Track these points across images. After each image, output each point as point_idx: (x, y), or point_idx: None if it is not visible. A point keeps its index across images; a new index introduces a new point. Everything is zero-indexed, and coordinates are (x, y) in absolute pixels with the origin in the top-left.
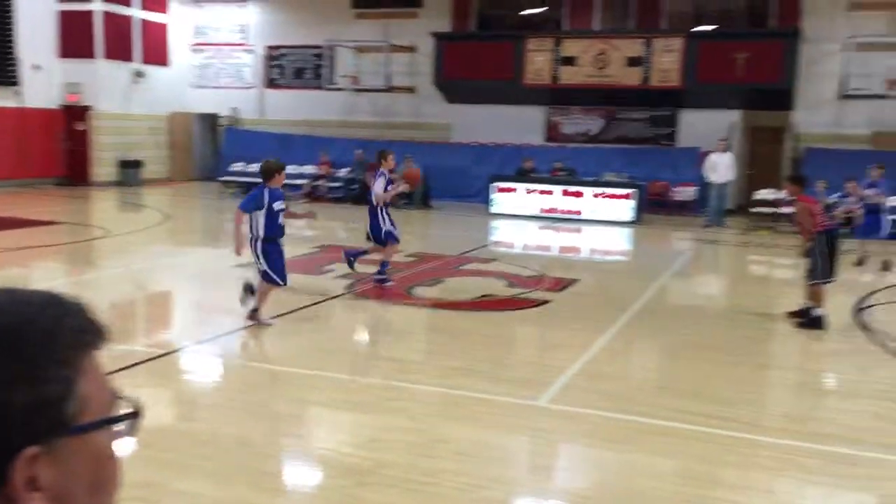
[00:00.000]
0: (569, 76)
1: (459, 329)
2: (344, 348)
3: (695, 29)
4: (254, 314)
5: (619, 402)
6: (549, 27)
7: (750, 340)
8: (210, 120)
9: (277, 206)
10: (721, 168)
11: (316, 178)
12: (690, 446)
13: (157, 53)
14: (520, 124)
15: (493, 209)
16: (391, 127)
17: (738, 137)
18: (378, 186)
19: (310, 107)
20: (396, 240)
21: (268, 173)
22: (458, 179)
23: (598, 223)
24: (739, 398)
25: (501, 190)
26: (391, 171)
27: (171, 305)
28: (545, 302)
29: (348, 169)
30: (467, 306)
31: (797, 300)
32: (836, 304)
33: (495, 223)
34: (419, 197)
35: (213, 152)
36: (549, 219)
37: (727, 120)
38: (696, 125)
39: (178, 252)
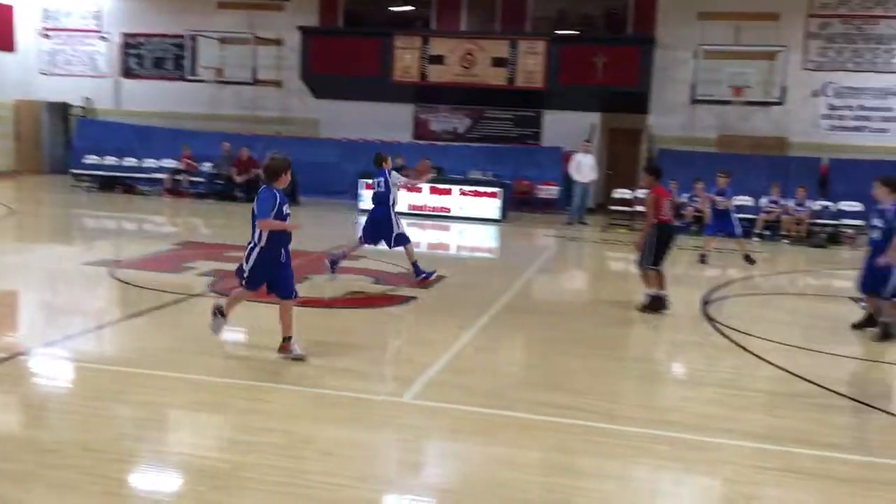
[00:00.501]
0: (437, 74)
1: (325, 327)
2: (204, 349)
3: (557, 32)
4: (286, 343)
5: (482, 397)
6: (417, 25)
7: (608, 333)
8: (60, 109)
9: (286, 209)
10: (585, 168)
11: (176, 172)
12: (550, 437)
13: (1, 38)
14: (388, 121)
15: (362, 206)
16: (257, 121)
17: (597, 138)
18: (396, 181)
19: (171, 98)
20: (409, 239)
21: (275, 173)
22: (327, 175)
23: (465, 220)
24: (596, 389)
25: (370, 187)
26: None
27: (16, 306)
28: (412, 298)
29: (212, 164)
30: (334, 304)
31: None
32: (686, 297)
33: (364, 220)
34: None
35: (65, 144)
36: (418, 216)
37: (588, 121)
38: (559, 126)
39: (24, 249)
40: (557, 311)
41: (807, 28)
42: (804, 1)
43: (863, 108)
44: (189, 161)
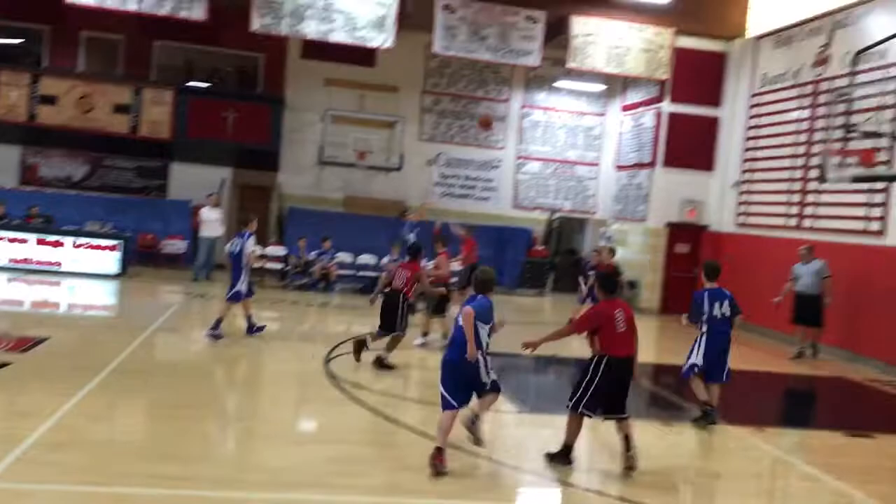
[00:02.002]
0: (49, 116)
1: None
2: None
3: (189, 84)
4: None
5: (79, 474)
6: (27, 62)
7: (228, 394)
8: None
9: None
10: (212, 223)
11: None
12: None
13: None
14: None
15: None
16: None
17: (228, 193)
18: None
19: None
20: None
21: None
22: None
23: (79, 276)
24: (210, 455)
25: None
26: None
27: None
28: (4, 365)
29: None
30: None
31: (282, 353)
32: (306, 355)
33: None
34: None
35: None
36: (22, 270)
37: (219, 175)
38: (187, 178)
39: None
40: (177, 372)
41: (422, 103)
42: (420, 78)
43: (468, 178)
44: None
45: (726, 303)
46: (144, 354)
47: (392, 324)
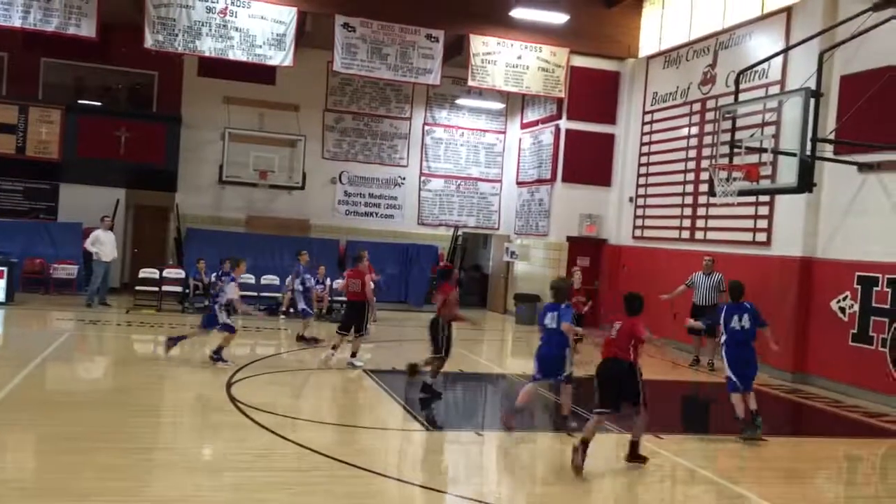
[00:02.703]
0: None
1: None
2: None
3: (78, 102)
4: None
5: None
6: None
7: (126, 423)
8: None
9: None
10: (106, 245)
11: None
12: None
13: None
14: None
15: None
16: None
17: (122, 215)
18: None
19: None
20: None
21: None
22: None
23: None
24: (106, 488)
25: None
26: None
27: None
28: None
29: None
30: None
31: (183, 379)
32: (212, 380)
33: None
34: None
35: None
36: None
37: (113, 197)
38: (79, 200)
39: None
40: (70, 402)
41: (324, 121)
42: (321, 96)
43: (372, 195)
44: None
45: (745, 316)
46: (34, 385)
47: (436, 343)
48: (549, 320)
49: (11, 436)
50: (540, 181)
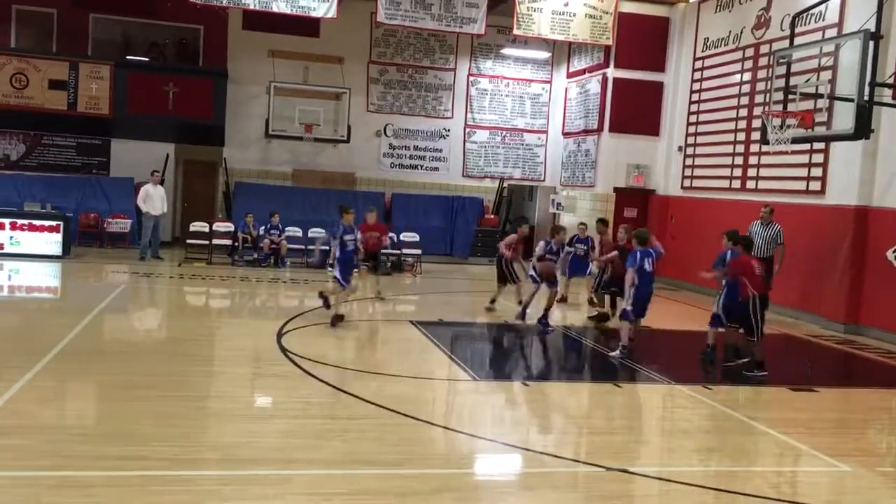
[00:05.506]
0: None
1: None
2: None
3: (125, 58)
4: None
5: (30, 458)
6: None
7: (181, 373)
8: None
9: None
10: (155, 200)
11: None
12: (108, 495)
13: None
14: None
15: None
16: None
17: (172, 170)
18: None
19: None
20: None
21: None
22: None
23: (20, 258)
24: (162, 434)
25: None
26: None
27: None
28: None
29: None
30: None
31: (235, 330)
32: (262, 329)
33: None
34: None
35: None
36: None
37: (162, 152)
38: (129, 155)
39: None
40: (126, 352)
41: (368, 73)
42: (365, 48)
43: (417, 148)
44: None
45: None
46: (92, 336)
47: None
48: (648, 265)
49: (71, 385)
50: (586, 131)
